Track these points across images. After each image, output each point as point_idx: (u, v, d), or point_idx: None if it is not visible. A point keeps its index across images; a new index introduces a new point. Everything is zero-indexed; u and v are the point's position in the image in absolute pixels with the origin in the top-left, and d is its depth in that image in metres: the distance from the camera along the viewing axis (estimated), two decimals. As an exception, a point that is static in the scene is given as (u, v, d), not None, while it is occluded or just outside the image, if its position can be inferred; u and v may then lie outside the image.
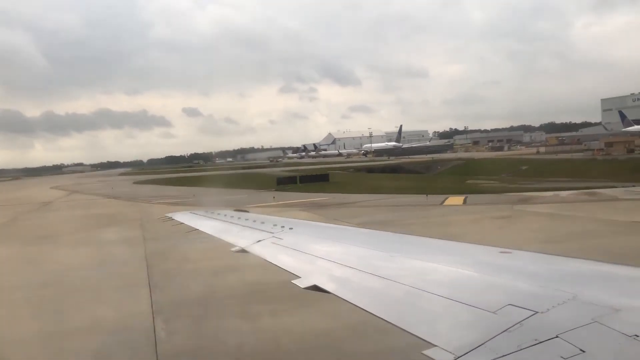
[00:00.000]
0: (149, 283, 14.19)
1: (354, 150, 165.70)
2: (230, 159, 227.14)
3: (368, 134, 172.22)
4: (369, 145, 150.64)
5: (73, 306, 12.54)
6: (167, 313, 11.55)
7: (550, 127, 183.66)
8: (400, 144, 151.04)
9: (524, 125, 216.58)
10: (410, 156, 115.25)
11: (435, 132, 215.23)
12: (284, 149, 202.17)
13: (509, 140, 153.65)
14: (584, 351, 2.07)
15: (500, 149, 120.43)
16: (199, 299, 12.54)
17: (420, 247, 4.79)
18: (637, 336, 2.08)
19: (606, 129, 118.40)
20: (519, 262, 3.73)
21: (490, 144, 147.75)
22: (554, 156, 76.29)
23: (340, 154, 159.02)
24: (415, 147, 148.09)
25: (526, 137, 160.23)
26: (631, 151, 71.36)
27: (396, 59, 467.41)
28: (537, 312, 2.49)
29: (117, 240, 22.13)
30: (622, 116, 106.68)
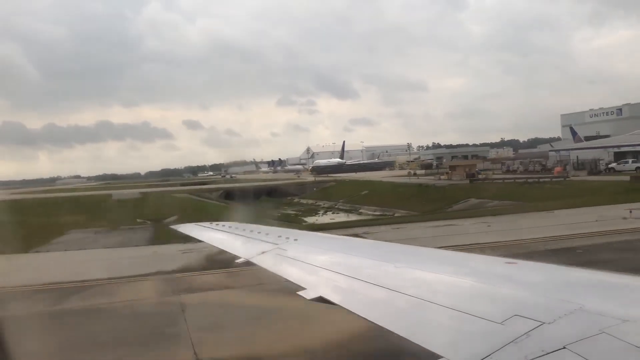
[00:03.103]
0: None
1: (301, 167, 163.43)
2: (211, 173, 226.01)
3: (357, 149, 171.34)
4: (318, 161, 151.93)
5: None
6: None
7: (536, 142, 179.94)
8: (344, 161, 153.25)
9: (514, 139, 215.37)
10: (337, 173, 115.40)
11: (420, 146, 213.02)
12: (256, 163, 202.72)
13: (473, 155, 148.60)
14: None
15: (429, 166, 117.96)
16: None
17: (425, 257, 4.78)
18: None
19: (551, 145, 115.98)
20: (525, 272, 3.72)
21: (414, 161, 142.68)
22: (413, 179, 74.17)
23: (305, 169, 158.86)
24: (357, 164, 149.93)
25: (492, 153, 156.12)
26: (471, 176, 66.44)
27: (394, 72, 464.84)
28: (543, 323, 2.48)
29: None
30: (573, 133, 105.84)
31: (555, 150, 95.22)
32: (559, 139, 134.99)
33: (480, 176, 67.93)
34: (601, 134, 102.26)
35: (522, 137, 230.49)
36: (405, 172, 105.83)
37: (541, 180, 54.34)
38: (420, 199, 50.00)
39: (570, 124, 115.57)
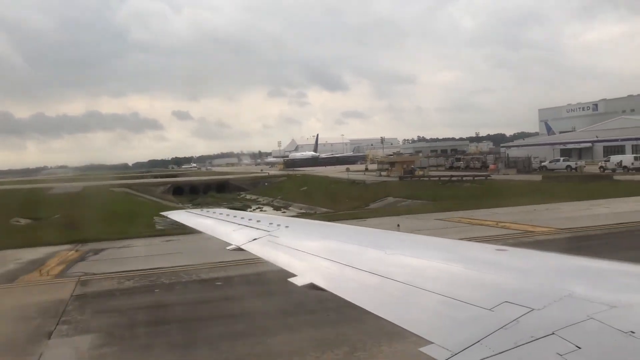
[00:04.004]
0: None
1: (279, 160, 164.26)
2: (195, 165, 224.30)
3: (340, 142, 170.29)
4: (294, 154, 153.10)
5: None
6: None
7: (521, 136, 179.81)
8: (317, 154, 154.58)
9: (500, 134, 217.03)
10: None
11: (404, 139, 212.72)
12: (239, 155, 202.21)
13: (452, 150, 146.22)
14: (579, 347, 2.08)
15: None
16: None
17: (416, 244, 4.79)
18: (633, 332, 2.08)
19: (523, 140, 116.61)
20: (515, 259, 3.74)
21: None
22: (353, 175, 71.71)
23: (282, 162, 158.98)
24: (331, 157, 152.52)
25: (472, 147, 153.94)
26: (408, 172, 65.90)
27: (385, 65, 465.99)
28: (533, 309, 2.49)
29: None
30: (548, 128, 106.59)
31: (507, 147, 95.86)
32: (537, 133, 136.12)
33: (418, 173, 67.18)
34: (577, 129, 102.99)
35: (511, 131, 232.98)
36: (373, 165, 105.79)
37: (464, 178, 53.88)
38: (347, 196, 50.88)
39: (547, 119, 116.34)
